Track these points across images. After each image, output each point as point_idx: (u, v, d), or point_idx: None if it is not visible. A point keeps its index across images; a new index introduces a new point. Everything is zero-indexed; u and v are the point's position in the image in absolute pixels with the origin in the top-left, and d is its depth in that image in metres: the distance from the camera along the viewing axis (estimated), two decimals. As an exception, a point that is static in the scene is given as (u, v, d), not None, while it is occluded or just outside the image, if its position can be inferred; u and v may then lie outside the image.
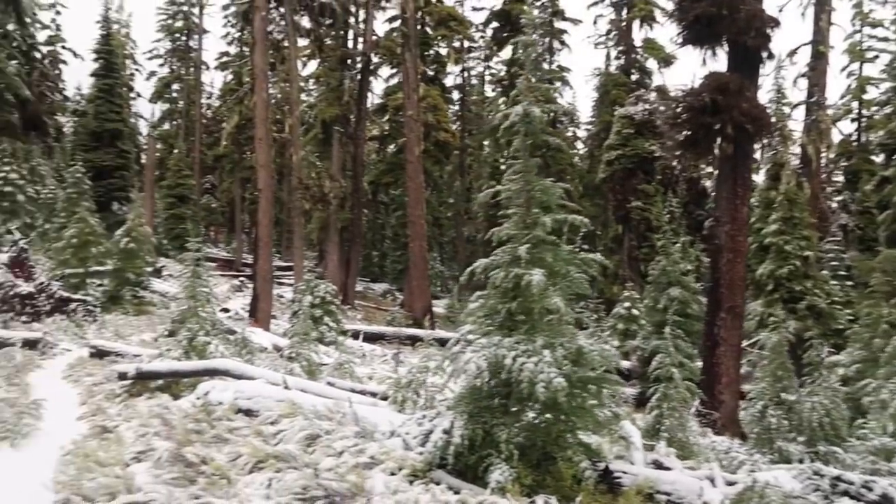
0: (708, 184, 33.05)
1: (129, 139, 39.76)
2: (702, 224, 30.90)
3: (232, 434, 5.30)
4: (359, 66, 31.75)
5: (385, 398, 7.66)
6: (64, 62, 47.16)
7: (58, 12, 45.99)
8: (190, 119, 43.26)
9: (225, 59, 39.83)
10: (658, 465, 6.12)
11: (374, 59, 30.64)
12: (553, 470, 5.06)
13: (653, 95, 29.86)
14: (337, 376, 9.85)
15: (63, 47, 46.74)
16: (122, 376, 8.86)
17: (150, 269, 24.22)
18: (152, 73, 51.36)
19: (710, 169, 31.50)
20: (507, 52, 37.06)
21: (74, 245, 21.46)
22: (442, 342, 20.28)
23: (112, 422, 7.07)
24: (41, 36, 44.42)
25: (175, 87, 46.42)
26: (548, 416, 5.07)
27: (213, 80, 66.43)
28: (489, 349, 4.93)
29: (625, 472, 5.47)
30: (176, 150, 44.42)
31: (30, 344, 12.80)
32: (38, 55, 42.25)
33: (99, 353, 12.38)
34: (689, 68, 46.07)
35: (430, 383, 6.89)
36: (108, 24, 35.63)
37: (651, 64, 34.99)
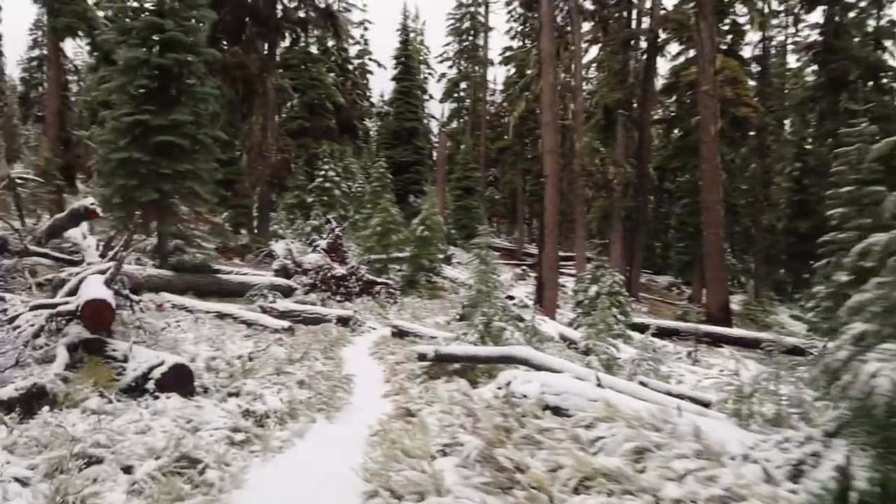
0: None
1: (424, 137, 42.83)
2: None
3: (544, 436, 4.52)
4: (644, 44, 29.83)
5: (707, 405, 6.36)
6: (370, 72, 52.48)
7: (365, 28, 51.42)
8: (476, 115, 45.02)
9: (508, 53, 40.56)
10: None
11: (662, 36, 28.42)
12: None
13: None
14: (639, 374, 8.69)
15: (370, 59, 52.08)
16: (422, 357, 8.78)
17: (441, 255, 25.34)
18: (442, 76, 54.86)
19: None
20: (817, 15, 32.00)
21: (378, 233, 23.25)
22: (750, 343, 17.87)
23: (414, 404, 6.86)
24: (352, 50, 50.20)
25: (462, 85, 48.80)
26: None
27: (496, 76, 68.96)
28: (904, 359, 3.45)
29: None
30: (463, 146, 46.76)
31: (342, 321, 13.77)
32: (350, 67, 47.68)
33: (399, 333, 12.83)
34: None
35: (767, 393, 5.42)
36: (406, 32, 38.47)
37: None
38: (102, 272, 6.12)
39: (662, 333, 20.42)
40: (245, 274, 16.75)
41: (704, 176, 23.02)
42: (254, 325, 10.60)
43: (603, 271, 18.66)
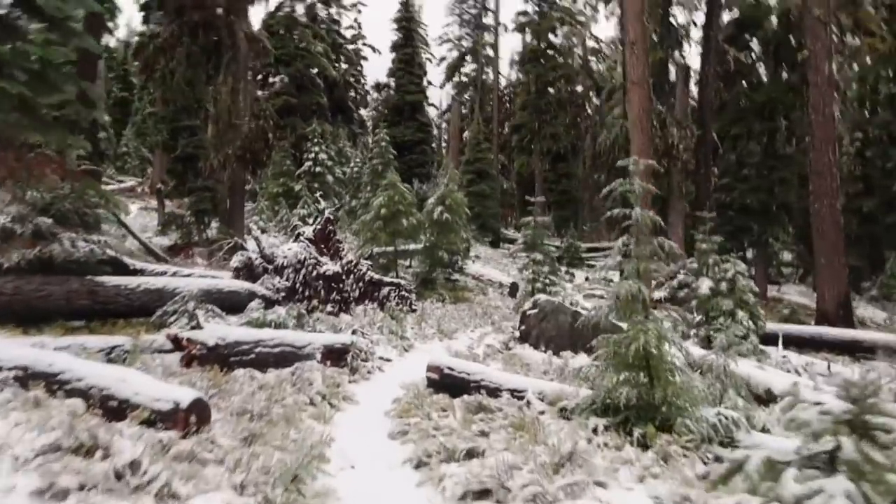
0: None
1: (427, 115, 36.22)
2: None
3: None
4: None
5: None
6: (365, 58, 45.68)
7: (359, 11, 44.57)
8: (484, 90, 38.32)
9: (522, 18, 34.03)
10: None
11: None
12: None
13: None
14: None
15: (364, 44, 45.27)
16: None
17: (465, 245, 18.74)
18: (442, 59, 48.09)
19: None
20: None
21: (383, 217, 16.61)
22: None
23: None
24: (345, 35, 43.43)
25: (468, 68, 41.82)
26: None
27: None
28: None
29: None
30: (466, 132, 40.03)
31: (333, 354, 7.22)
32: (343, 44, 40.91)
33: (444, 383, 6.28)
34: None
35: None
36: (405, -9, 31.82)
37: None
38: None
39: (793, 342, 14.08)
40: (175, 274, 10.21)
41: (816, 131, 16.52)
42: (108, 400, 3.98)
43: (720, 259, 12.18)
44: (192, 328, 6.20)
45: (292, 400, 5.64)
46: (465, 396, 5.81)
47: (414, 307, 14.00)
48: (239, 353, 6.22)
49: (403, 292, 14.07)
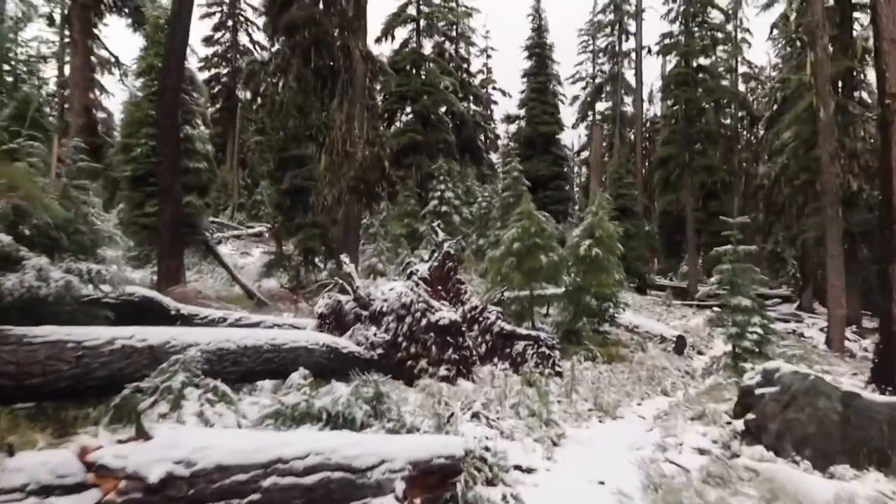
0: None
1: (562, 149, 32.56)
2: None
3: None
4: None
5: None
6: (495, 102, 43.44)
7: (489, 56, 42.55)
8: (624, 121, 34.11)
9: (667, 41, 29.85)
10: None
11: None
12: None
13: None
14: None
15: (494, 88, 43.05)
16: None
17: (616, 288, 14.63)
18: (575, 98, 44.59)
19: None
20: None
21: (516, 252, 13.07)
22: None
23: None
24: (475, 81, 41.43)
25: (603, 105, 37.64)
26: None
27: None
28: None
29: None
30: (607, 163, 35.61)
31: (431, 480, 3.68)
32: (471, 83, 38.73)
33: None
34: None
35: None
36: (539, 17, 28.84)
37: None
38: None
39: None
40: (239, 321, 7.33)
41: None
42: None
43: None
44: (137, 437, 2.95)
45: None
46: None
47: (558, 368, 10.24)
48: (223, 492, 2.85)
49: (544, 348, 10.36)
